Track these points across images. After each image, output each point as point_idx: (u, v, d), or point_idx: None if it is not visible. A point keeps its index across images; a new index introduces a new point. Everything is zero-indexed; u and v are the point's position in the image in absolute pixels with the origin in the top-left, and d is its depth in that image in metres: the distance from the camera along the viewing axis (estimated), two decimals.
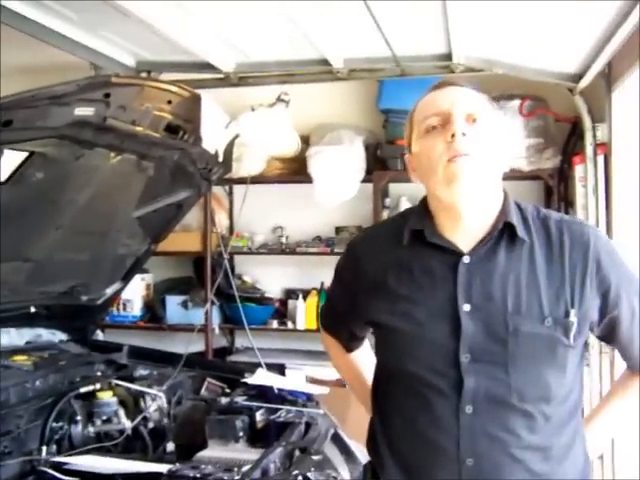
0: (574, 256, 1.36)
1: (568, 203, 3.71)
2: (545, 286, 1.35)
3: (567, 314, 1.34)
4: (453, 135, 1.32)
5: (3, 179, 1.86)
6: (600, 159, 3.26)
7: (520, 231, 1.37)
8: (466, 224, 1.38)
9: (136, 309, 4.33)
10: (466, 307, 1.35)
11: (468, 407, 1.33)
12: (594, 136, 3.27)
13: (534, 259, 1.36)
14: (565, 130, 3.73)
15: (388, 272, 1.43)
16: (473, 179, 1.32)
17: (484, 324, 1.34)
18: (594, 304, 1.37)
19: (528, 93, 3.67)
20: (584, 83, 3.12)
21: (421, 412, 1.38)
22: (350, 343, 1.70)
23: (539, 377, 1.34)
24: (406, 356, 1.39)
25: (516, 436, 1.33)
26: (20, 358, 2.40)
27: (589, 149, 3.29)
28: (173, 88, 2.01)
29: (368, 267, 1.48)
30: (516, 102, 3.64)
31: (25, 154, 1.83)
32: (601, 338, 1.48)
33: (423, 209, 1.45)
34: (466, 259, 1.37)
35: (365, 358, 1.73)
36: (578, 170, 3.39)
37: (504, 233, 1.37)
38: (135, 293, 4.25)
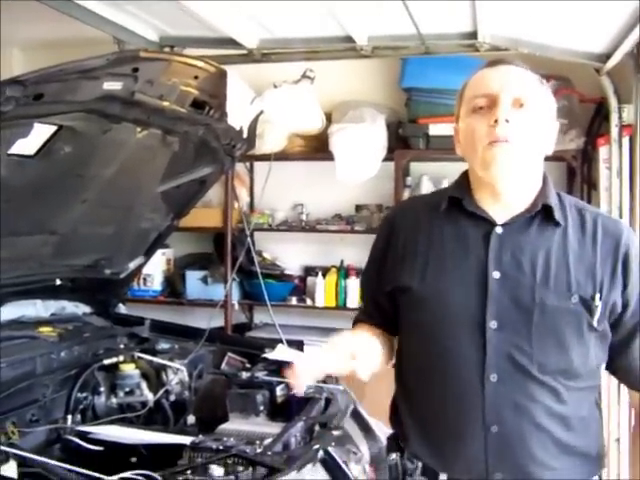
0: (605, 247, 1.40)
1: (591, 185, 3.68)
2: (575, 266, 1.38)
3: (593, 297, 1.36)
4: (496, 120, 1.35)
5: (32, 152, 1.87)
6: (625, 141, 3.22)
7: (557, 214, 1.41)
8: (504, 200, 1.42)
9: (156, 284, 4.36)
10: (496, 274, 1.38)
11: (493, 375, 1.36)
12: (620, 117, 3.23)
13: (566, 241, 1.40)
14: (589, 111, 3.69)
15: (421, 237, 1.48)
16: (510, 164, 1.36)
17: (511, 293, 1.37)
18: (618, 295, 1.39)
19: (553, 73, 3.62)
20: (611, 63, 3.07)
21: (447, 379, 1.40)
22: (383, 320, 1.60)
23: (562, 351, 1.36)
24: (434, 321, 1.42)
25: (540, 405, 1.36)
26: (45, 329, 2.43)
27: (614, 130, 3.25)
28: (200, 63, 2.01)
29: (401, 232, 1.52)
30: None
31: (54, 128, 1.84)
32: None
33: (463, 181, 1.49)
34: (499, 229, 1.41)
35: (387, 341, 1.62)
36: (602, 152, 3.35)
37: (540, 214, 1.41)
38: (156, 268, 4.28)
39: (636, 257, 1.41)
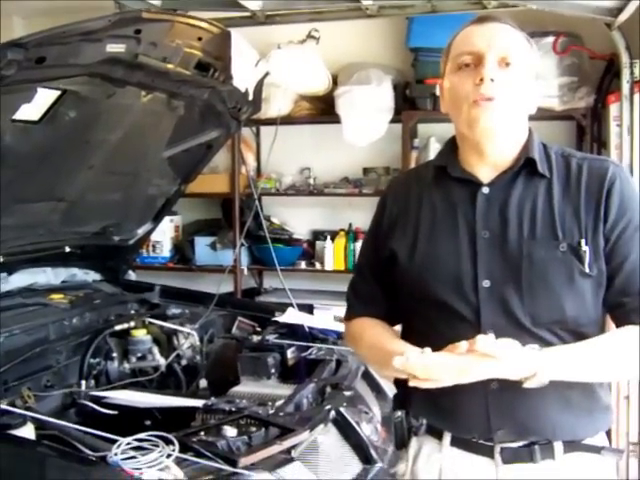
0: (590, 188, 1.38)
1: (601, 144, 3.63)
2: (560, 215, 1.37)
3: (579, 243, 1.35)
4: (482, 79, 1.35)
5: (37, 118, 1.86)
6: (637, 97, 3.17)
7: (540, 167, 1.41)
8: (489, 159, 1.43)
9: (165, 251, 4.36)
10: (484, 234, 1.40)
11: (489, 332, 1.34)
12: (631, 73, 3.17)
13: (551, 192, 1.40)
14: (600, 68, 3.62)
15: (411, 208, 1.50)
16: (495, 123, 1.37)
17: (501, 250, 1.38)
18: (601, 233, 1.36)
19: (563, 29, 3.56)
20: (623, 17, 3.00)
21: (446, 339, 1.35)
22: (387, 306, 1.56)
23: (554, 302, 1.35)
24: (429, 285, 1.42)
25: None
26: (57, 297, 2.45)
27: (625, 87, 3.19)
28: (203, 24, 1.98)
29: (394, 203, 1.54)
30: (550, 39, 3.52)
31: (58, 92, 1.82)
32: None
33: (450, 145, 1.51)
34: (485, 189, 1.42)
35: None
36: (613, 109, 3.30)
37: (524, 168, 1.42)
38: (164, 235, 4.27)
39: (623, 192, 1.37)
